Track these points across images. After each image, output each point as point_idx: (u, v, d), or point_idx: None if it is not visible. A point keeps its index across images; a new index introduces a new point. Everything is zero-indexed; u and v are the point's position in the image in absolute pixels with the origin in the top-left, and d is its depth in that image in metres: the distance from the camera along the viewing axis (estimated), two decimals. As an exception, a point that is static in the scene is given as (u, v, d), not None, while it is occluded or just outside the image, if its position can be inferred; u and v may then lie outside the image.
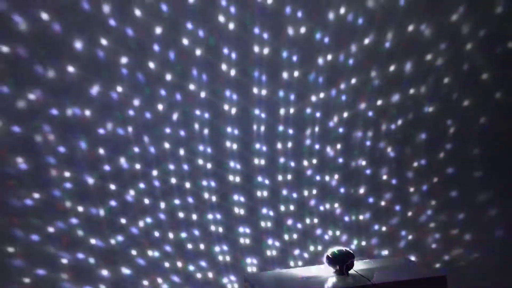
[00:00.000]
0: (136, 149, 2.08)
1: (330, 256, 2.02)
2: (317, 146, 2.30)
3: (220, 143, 2.18)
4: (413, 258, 2.43)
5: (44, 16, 1.89)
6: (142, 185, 2.12)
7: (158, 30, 1.99)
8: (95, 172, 2.05)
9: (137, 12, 1.97)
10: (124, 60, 1.98)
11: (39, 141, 1.97)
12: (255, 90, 2.16)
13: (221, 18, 2.05)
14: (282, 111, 2.21)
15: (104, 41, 1.95)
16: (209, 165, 2.18)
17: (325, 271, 2.04)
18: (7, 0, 1.85)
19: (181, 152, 2.13)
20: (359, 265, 2.10)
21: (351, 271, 2.01)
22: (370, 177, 2.38)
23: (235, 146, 2.19)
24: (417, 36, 2.29)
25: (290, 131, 2.25)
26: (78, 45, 1.94)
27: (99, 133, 2.03)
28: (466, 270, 2.52)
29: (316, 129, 2.27)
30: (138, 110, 2.04)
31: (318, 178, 2.32)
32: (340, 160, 2.33)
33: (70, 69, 1.95)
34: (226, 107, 2.14)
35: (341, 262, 2.00)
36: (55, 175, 2.01)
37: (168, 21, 2.01)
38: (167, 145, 2.11)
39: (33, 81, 1.93)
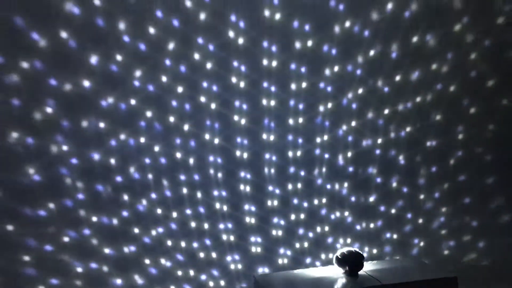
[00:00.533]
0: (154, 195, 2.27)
1: (340, 256, 2.02)
2: (328, 186, 2.44)
3: (234, 186, 2.35)
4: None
5: (63, 34, 2.08)
6: (160, 229, 2.28)
7: (180, 89, 2.24)
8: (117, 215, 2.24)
9: (162, 76, 2.22)
10: (148, 114, 2.21)
11: (54, 152, 2.12)
12: (264, 136, 2.34)
13: (233, 80, 2.28)
14: (290, 154, 2.38)
15: (132, 101, 2.20)
16: (225, 208, 2.34)
17: (335, 272, 2.04)
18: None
19: (198, 195, 2.31)
20: (368, 266, 2.10)
21: (361, 272, 2.01)
22: (384, 212, 2.50)
23: (248, 189, 2.35)
24: (422, 46, 2.43)
25: (302, 173, 2.40)
26: (105, 103, 2.19)
27: (118, 181, 2.23)
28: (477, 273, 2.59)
29: (324, 169, 2.42)
30: (156, 155, 2.25)
31: (332, 217, 2.44)
32: (353, 198, 2.46)
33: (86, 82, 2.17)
34: (238, 153, 2.32)
35: (351, 262, 2.00)
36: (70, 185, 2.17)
37: (186, 80, 2.25)
38: (184, 190, 2.29)
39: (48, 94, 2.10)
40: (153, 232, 2.27)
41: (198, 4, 2.15)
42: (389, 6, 2.35)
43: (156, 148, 2.21)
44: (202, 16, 2.16)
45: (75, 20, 2.06)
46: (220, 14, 2.18)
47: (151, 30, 2.12)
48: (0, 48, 2.01)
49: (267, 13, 2.23)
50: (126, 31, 2.10)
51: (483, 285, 2.61)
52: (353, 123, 2.41)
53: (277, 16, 2.24)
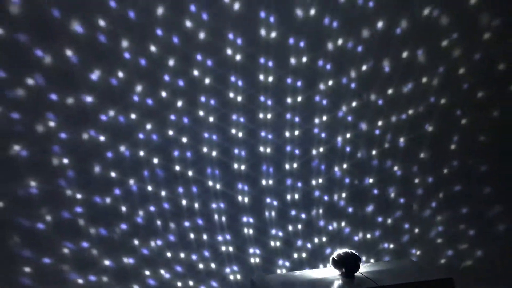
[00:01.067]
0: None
1: (336, 258, 2.03)
2: (330, 228, 2.57)
3: (238, 230, 2.51)
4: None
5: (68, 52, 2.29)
6: (167, 275, 2.44)
7: (184, 139, 2.48)
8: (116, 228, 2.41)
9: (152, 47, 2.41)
10: (155, 160, 2.45)
11: (54, 164, 2.28)
12: (263, 181, 2.53)
13: (231, 94, 2.52)
14: (289, 197, 2.54)
15: (140, 152, 2.45)
16: (231, 249, 2.49)
17: (331, 274, 2.05)
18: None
19: (204, 237, 2.48)
20: (365, 268, 2.11)
21: (357, 274, 2.01)
22: (381, 223, 2.66)
23: (251, 232, 2.51)
24: (413, 60, 2.60)
25: (303, 216, 2.55)
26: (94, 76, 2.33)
27: (124, 228, 2.42)
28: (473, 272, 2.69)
29: (321, 210, 2.56)
30: (161, 201, 2.45)
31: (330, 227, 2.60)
32: (350, 209, 2.62)
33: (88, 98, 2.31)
34: (239, 198, 2.50)
35: (347, 264, 2.00)
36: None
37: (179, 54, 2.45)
38: (191, 235, 2.47)
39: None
40: (162, 272, 2.43)
41: (198, 24, 2.40)
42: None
43: (163, 193, 2.43)
44: (201, 35, 2.40)
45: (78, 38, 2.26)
46: (222, 78, 2.43)
47: (162, 93, 2.42)
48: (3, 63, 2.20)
49: (262, 32, 2.46)
50: (138, 91, 2.40)
51: (480, 286, 2.68)
52: (345, 166, 2.59)
53: (273, 35, 2.45)
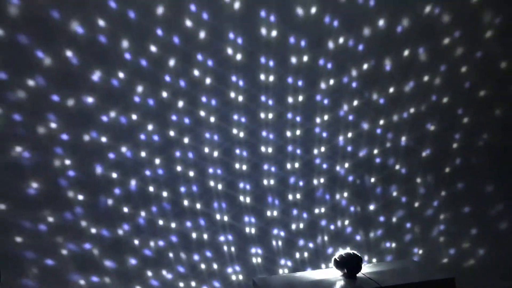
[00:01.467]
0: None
1: (338, 259, 2.04)
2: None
3: (247, 260, 2.57)
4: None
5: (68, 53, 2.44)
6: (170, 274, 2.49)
7: (191, 173, 2.61)
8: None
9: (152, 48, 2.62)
10: (164, 194, 2.56)
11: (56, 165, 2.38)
12: (268, 212, 2.61)
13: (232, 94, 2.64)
14: (294, 226, 2.61)
15: (149, 187, 2.57)
16: (240, 277, 2.55)
17: (333, 274, 2.05)
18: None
19: (214, 266, 2.54)
20: (367, 268, 2.10)
21: (359, 274, 2.02)
22: (384, 222, 2.71)
23: (260, 260, 2.57)
24: (414, 59, 2.70)
25: (310, 245, 2.61)
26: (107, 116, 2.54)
27: (130, 262, 2.51)
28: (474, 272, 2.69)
29: (326, 237, 2.62)
30: (170, 233, 2.54)
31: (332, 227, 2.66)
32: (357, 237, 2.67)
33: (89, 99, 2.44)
34: (247, 229, 2.59)
35: (349, 265, 2.01)
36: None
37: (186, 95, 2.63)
38: (202, 266, 2.54)
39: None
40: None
41: (204, 71, 2.53)
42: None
43: (172, 225, 2.52)
44: (208, 80, 2.53)
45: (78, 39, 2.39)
46: (223, 77, 2.56)
47: (170, 133, 2.57)
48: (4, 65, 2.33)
49: (262, 76, 2.60)
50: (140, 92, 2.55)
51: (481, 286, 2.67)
52: (345, 194, 2.68)
53: (271, 78, 2.60)
